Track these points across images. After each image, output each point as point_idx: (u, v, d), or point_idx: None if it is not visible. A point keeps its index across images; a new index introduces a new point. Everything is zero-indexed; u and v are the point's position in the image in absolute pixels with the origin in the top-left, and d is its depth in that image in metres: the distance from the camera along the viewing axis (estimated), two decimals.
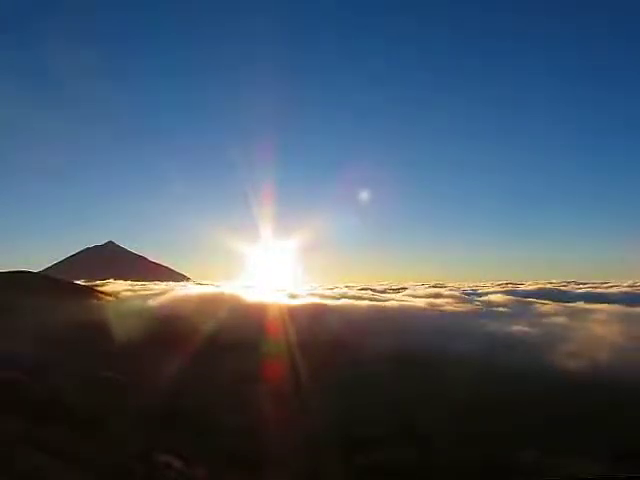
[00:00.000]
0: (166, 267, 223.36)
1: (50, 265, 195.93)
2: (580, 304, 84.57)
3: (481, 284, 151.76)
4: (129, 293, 74.76)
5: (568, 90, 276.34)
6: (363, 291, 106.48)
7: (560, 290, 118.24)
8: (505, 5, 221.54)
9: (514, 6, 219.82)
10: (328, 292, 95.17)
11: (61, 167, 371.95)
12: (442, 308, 76.26)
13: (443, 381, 35.48)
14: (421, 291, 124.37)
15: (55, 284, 64.52)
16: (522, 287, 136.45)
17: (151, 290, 78.69)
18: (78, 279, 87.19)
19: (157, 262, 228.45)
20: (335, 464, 19.09)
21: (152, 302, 61.27)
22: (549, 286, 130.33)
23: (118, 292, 71.95)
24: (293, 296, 73.80)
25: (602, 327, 56.28)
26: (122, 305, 57.76)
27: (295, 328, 46.78)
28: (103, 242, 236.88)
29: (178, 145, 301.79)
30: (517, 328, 58.13)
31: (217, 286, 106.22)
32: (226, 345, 39.52)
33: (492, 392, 31.57)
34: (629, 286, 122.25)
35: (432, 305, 79.95)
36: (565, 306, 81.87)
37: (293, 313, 54.00)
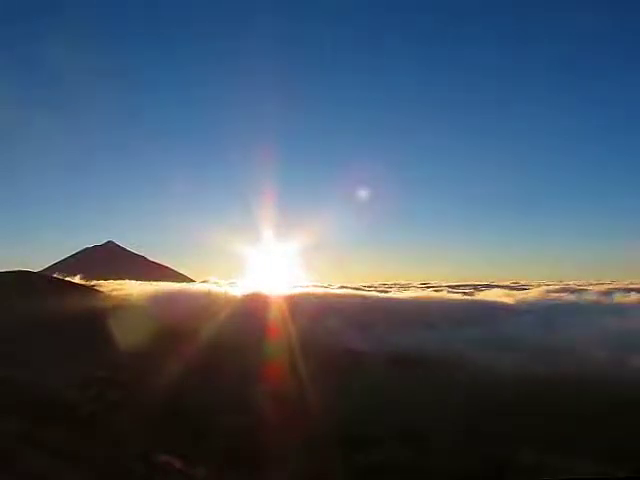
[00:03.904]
0: (166, 267, 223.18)
1: (50, 265, 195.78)
2: (585, 303, 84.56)
3: (485, 282, 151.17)
4: (129, 293, 74.75)
5: (576, 86, 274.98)
6: (363, 290, 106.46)
7: (564, 289, 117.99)
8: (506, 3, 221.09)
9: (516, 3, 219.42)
10: (329, 292, 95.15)
11: (61, 167, 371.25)
12: (442, 307, 76.21)
13: (443, 381, 35.51)
14: (422, 290, 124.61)
15: (55, 283, 64.52)
16: (526, 286, 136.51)
17: (152, 290, 78.69)
18: (78, 278, 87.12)
19: (157, 262, 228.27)
20: (335, 464, 19.08)
21: (152, 302, 61.28)
22: (552, 286, 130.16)
23: (118, 291, 71.96)
24: (294, 296, 73.76)
25: (601, 326, 56.26)
26: (122, 305, 57.74)
27: (295, 328, 46.78)
28: (103, 242, 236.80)
29: (178, 145, 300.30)
30: (518, 327, 58.17)
31: (217, 286, 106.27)
32: (226, 345, 39.52)
33: (492, 392, 31.58)
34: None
35: (432, 304, 79.93)
36: (569, 305, 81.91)
37: (293, 313, 53.97)
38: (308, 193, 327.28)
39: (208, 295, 74.11)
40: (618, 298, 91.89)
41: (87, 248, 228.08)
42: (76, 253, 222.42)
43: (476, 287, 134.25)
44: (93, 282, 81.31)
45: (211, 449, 18.36)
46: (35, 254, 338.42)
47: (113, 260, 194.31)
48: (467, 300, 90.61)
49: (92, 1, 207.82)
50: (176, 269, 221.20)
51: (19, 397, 16.71)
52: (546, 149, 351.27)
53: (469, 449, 21.05)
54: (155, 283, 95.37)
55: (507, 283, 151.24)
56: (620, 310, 73.13)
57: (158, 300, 63.75)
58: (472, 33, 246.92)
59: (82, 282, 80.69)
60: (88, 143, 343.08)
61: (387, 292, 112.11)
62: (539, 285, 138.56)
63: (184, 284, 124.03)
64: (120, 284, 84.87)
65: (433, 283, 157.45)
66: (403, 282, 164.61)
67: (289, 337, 43.44)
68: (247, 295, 69.97)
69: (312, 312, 57.35)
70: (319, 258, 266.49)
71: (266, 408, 25.17)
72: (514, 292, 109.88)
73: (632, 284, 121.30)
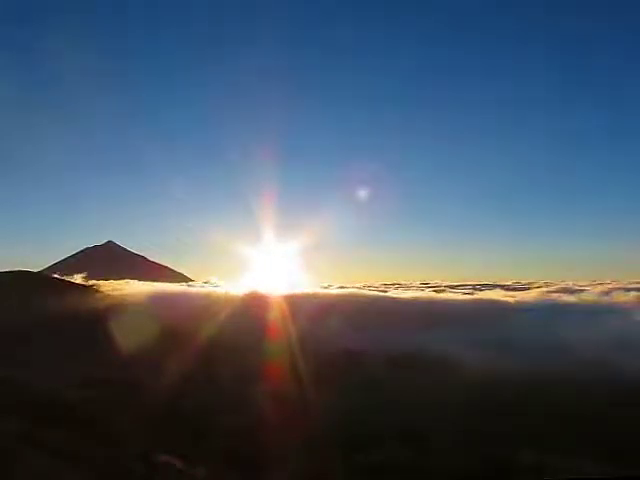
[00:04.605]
0: (166, 267, 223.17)
1: (50, 265, 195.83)
2: (585, 303, 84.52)
3: (485, 282, 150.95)
4: (129, 292, 74.77)
5: (577, 86, 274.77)
6: (363, 290, 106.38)
7: (564, 289, 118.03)
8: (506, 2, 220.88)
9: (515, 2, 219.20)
10: (329, 292, 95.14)
11: (61, 167, 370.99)
12: (442, 307, 76.21)
13: (443, 381, 35.51)
14: (422, 290, 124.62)
15: (55, 283, 64.55)
16: (526, 286, 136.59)
17: (152, 290, 78.70)
18: (78, 279, 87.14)
19: (157, 262, 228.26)
20: (335, 464, 19.08)
21: (152, 302, 61.29)
22: (552, 286, 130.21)
23: (118, 291, 71.96)
24: (294, 296, 73.76)
25: (601, 326, 56.28)
26: (122, 305, 57.75)
27: (295, 328, 46.81)
28: (103, 242, 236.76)
29: (178, 145, 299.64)
30: (518, 327, 58.16)
31: (217, 287, 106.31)
32: (226, 345, 39.56)
33: (492, 392, 31.58)
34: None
35: (432, 304, 79.94)
36: (569, 305, 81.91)
37: (293, 313, 54.00)
38: (308, 193, 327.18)
39: (208, 295, 74.16)
40: (618, 298, 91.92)
41: (87, 248, 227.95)
42: (76, 253, 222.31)
43: (476, 287, 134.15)
44: (93, 282, 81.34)
45: (211, 449, 18.36)
46: (35, 254, 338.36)
47: (113, 260, 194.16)
48: (467, 300, 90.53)
49: (92, 1, 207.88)
50: (176, 269, 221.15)
51: (19, 397, 16.70)
52: (547, 149, 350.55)
53: (469, 449, 21.05)
54: (155, 283, 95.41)
55: (507, 283, 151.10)
56: (620, 310, 73.13)
57: (158, 300, 63.78)
58: (472, 33, 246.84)
59: (82, 282, 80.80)
60: (88, 143, 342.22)
61: (387, 292, 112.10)
62: (539, 285, 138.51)
63: (184, 284, 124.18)
64: (120, 284, 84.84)
65: (433, 283, 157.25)
66: (403, 282, 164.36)
67: (289, 337, 43.46)
68: (247, 295, 69.97)
69: (312, 312, 57.36)
70: (319, 258, 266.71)
71: (266, 408, 25.18)
72: (514, 292, 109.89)
73: (632, 284, 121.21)
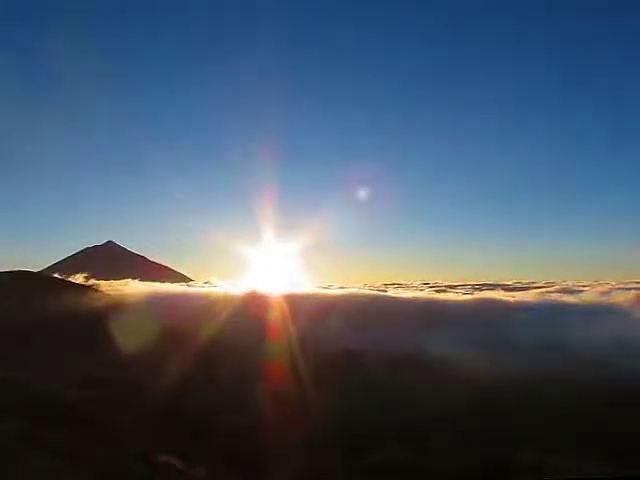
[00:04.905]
0: (166, 267, 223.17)
1: (50, 265, 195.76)
2: (585, 303, 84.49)
3: (485, 282, 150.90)
4: (129, 292, 74.78)
5: (578, 87, 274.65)
6: (363, 290, 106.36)
7: (564, 289, 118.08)
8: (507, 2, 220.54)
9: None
10: (329, 292, 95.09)
11: (61, 167, 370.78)
12: (442, 307, 76.20)
13: (443, 381, 35.51)
14: (422, 290, 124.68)
15: (55, 283, 64.54)
16: (526, 286, 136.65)
17: (152, 290, 78.68)
18: (78, 278, 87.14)
19: (157, 262, 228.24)
20: (335, 464, 19.09)
21: (152, 302, 61.27)
22: (552, 286, 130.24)
23: (118, 291, 71.91)
24: (294, 296, 73.73)
25: (601, 326, 56.27)
26: (122, 305, 57.74)
27: (295, 328, 46.80)
28: (103, 242, 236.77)
29: (178, 145, 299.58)
30: (518, 327, 58.15)
31: (217, 287, 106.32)
32: (226, 345, 39.55)
33: (492, 392, 31.58)
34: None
35: (432, 304, 79.93)
36: (568, 305, 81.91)
37: (293, 313, 53.99)
38: (308, 193, 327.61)
39: (208, 295, 74.14)
40: (618, 298, 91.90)
41: (87, 248, 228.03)
42: (76, 253, 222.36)
43: (476, 287, 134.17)
44: (93, 282, 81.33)
45: (211, 449, 18.36)
46: (35, 254, 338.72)
47: (113, 260, 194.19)
48: (467, 300, 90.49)
49: (92, 1, 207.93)
50: (176, 269, 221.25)
51: (19, 397, 16.69)
52: (547, 149, 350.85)
53: (469, 449, 21.06)
54: (155, 283, 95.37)
55: (507, 283, 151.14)
56: (620, 310, 73.13)
57: (158, 300, 63.76)
58: (472, 33, 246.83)
59: (82, 282, 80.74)
60: (88, 143, 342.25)
61: (387, 292, 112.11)
62: (539, 285, 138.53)
63: (184, 284, 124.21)
64: (121, 284, 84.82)
65: (433, 283, 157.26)
66: (403, 282, 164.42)
67: (289, 337, 43.46)
68: (247, 295, 69.94)
69: (312, 312, 57.33)
70: (319, 258, 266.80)
71: (266, 408, 25.18)
72: (514, 292, 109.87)
73: (632, 284, 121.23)
